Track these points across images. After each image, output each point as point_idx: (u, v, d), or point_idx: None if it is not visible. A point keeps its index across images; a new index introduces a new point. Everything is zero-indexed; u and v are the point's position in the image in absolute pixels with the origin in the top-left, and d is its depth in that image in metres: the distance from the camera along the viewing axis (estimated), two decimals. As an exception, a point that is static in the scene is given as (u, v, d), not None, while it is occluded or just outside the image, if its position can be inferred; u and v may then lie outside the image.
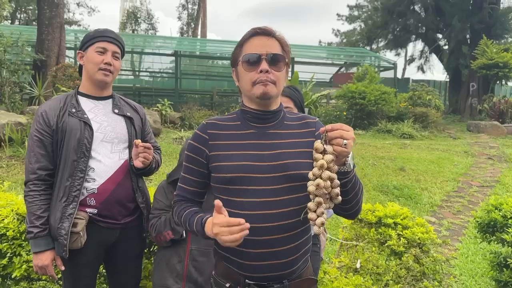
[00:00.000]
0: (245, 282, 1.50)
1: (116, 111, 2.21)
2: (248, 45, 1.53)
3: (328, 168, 1.29)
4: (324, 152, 1.30)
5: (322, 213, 1.31)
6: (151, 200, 2.39)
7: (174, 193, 1.67)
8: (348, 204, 1.48)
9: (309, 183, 1.32)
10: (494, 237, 2.96)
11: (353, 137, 1.31)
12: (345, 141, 1.29)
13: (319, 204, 1.31)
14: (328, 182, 1.29)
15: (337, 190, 1.32)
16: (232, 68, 1.63)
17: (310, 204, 1.33)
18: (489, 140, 13.00)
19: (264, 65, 1.49)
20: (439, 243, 3.05)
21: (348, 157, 1.36)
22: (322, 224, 1.30)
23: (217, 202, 1.35)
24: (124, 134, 2.18)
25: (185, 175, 1.62)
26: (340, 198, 1.34)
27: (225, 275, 1.56)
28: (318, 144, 1.31)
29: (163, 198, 2.26)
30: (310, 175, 1.32)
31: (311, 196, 1.33)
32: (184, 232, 2.13)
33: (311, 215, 1.32)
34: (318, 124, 1.63)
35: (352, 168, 1.40)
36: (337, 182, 1.32)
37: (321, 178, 1.29)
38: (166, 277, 2.14)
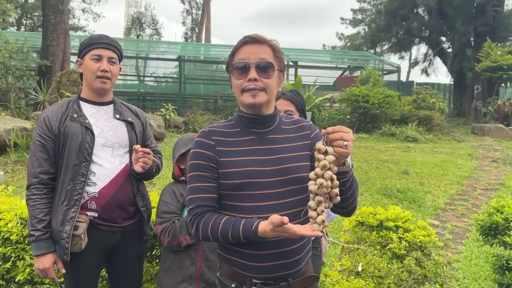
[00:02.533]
0: (251, 281, 1.54)
1: (117, 116, 2.23)
2: (239, 54, 1.56)
3: (329, 169, 1.34)
4: (326, 153, 1.35)
5: (322, 211, 1.35)
6: (152, 204, 2.41)
7: (191, 206, 1.55)
8: (346, 202, 1.53)
9: (310, 182, 1.36)
10: (496, 239, 2.95)
11: (352, 138, 1.36)
12: (345, 142, 1.33)
13: (319, 203, 1.35)
14: (329, 182, 1.34)
15: (337, 190, 1.37)
16: (227, 73, 1.66)
17: (311, 203, 1.36)
18: (494, 143, 12.95)
19: (252, 74, 1.53)
20: (441, 246, 3.05)
21: (347, 157, 1.40)
22: (323, 221, 1.34)
23: (286, 219, 1.32)
24: (125, 139, 2.21)
25: (200, 184, 1.54)
26: (339, 198, 1.38)
27: (230, 276, 1.59)
28: (320, 145, 1.35)
29: (173, 201, 2.21)
30: (312, 174, 1.36)
31: (311, 195, 1.37)
32: None
33: (311, 213, 1.36)
34: (312, 127, 1.70)
35: (350, 167, 1.45)
36: (336, 182, 1.36)
37: (323, 178, 1.33)
38: (179, 281, 2.13)
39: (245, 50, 1.55)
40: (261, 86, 1.54)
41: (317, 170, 1.34)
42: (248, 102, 1.55)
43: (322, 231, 1.35)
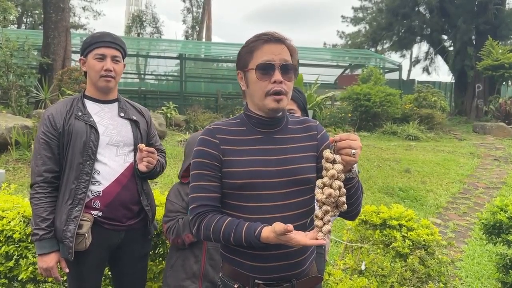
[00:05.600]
0: (254, 282, 1.52)
1: (122, 114, 2.22)
2: (260, 53, 1.51)
3: (337, 178, 1.33)
4: (333, 161, 1.33)
5: (329, 220, 1.34)
6: (156, 202, 2.40)
7: (194, 205, 1.53)
8: (350, 207, 1.51)
9: (318, 191, 1.35)
10: (499, 238, 2.94)
11: (360, 146, 1.35)
12: (353, 150, 1.32)
13: (326, 212, 1.34)
14: (337, 191, 1.33)
15: (343, 198, 1.36)
16: (237, 70, 1.61)
17: (318, 212, 1.35)
18: (495, 141, 12.93)
19: (277, 76, 1.49)
20: (444, 245, 3.04)
21: (354, 165, 1.39)
22: (329, 231, 1.33)
23: (290, 227, 1.31)
24: (129, 138, 2.19)
25: (203, 183, 1.52)
26: (345, 206, 1.37)
27: (233, 276, 1.58)
28: (328, 153, 1.33)
29: (178, 200, 2.23)
30: (319, 183, 1.35)
31: (318, 204, 1.36)
32: None
33: (318, 222, 1.35)
34: (319, 128, 1.68)
35: (356, 174, 1.44)
36: (343, 191, 1.35)
37: (331, 188, 1.32)
38: (183, 278, 2.13)
39: (268, 49, 1.50)
40: (286, 90, 1.51)
41: (325, 179, 1.33)
42: (272, 107, 1.51)
43: (323, 241, 1.34)
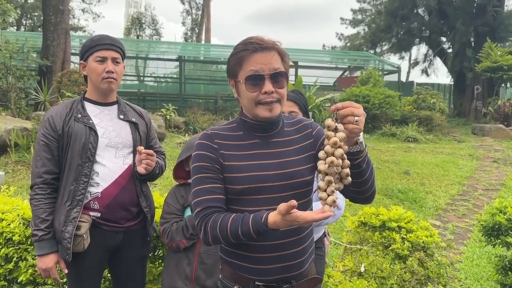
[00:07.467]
0: (254, 284, 1.52)
1: (122, 116, 2.23)
2: (249, 63, 1.47)
3: (339, 147, 1.27)
4: (335, 130, 1.28)
5: (333, 191, 1.28)
6: (155, 204, 2.41)
7: (199, 208, 1.49)
8: (365, 186, 1.47)
9: (320, 162, 1.29)
10: (498, 240, 2.95)
11: (363, 113, 1.30)
12: (356, 118, 1.28)
13: (329, 183, 1.28)
14: (340, 161, 1.27)
15: (347, 170, 1.30)
16: (228, 78, 1.58)
17: (321, 183, 1.29)
18: (494, 143, 12.95)
19: (268, 86, 1.46)
20: (444, 247, 3.05)
21: (359, 135, 1.35)
22: (334, 202, 1.27)
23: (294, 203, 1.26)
24: (128, 139, 2.20)
25: (206, 186, 1.49)
26: (350, 179, 1.32)
27: (233, 278, 1.58)
28: (329, 121, 1.28)
29: (174, 202, 2.25)
30: (321, 153, 1.29)
31: (321, 175, 1.30)
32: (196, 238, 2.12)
33: (321, 194, 1.29)
34: (314, 124, 1.66)
35: (364, 146, 1.39)
36: (347, 162, 1.30)
37: (334, 156, 1.26)
38: (175, 279, 2.15)
39: (256, 59, 1.46)
40: (277, 98, 1.49)
41: (327, 147, 1.27)
42: (265, 116, 1.49)
43: (330, 213, 1.27)
